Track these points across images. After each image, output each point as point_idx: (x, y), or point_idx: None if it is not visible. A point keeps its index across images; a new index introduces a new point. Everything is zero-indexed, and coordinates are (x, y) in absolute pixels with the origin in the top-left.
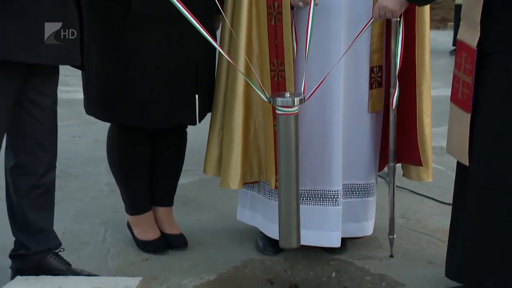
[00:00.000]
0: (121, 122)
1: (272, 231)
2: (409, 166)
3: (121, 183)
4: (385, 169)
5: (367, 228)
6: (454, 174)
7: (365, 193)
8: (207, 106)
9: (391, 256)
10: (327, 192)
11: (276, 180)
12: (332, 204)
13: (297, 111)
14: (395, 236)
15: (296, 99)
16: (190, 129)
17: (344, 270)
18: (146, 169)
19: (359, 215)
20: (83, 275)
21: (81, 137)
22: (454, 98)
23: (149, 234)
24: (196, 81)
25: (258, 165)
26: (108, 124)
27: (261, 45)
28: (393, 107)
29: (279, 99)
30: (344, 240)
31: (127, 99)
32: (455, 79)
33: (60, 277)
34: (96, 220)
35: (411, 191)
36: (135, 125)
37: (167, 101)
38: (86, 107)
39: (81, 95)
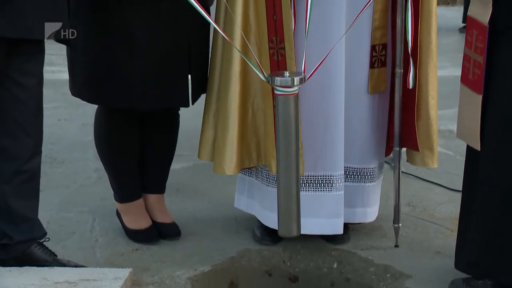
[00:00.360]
0: (109, 105)
1: (269, 219)
2: (413, 151)
3: (110, 169)
4: (391, 154)
5: (363, 215)
6: (463, 159)
7: (361, 178)
8: (201, 87)
9: (396, 246)
10: (328, 177)
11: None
12: (333, 189)
13: (297, 91)
14: (400, 225)
15: (296, 79)
16: (183, 111)
17: (347, 260)
18: (136, 154)
19: (353, 200)
20: (69, 266)
21: (67, 120)
22: (464, 79)
23: (140, 223)
24: (189, 59)
25: (256, 149)
26: (95, 107)
27: (259, 21)
28: (410, 87)
29: (277, 79)
30: (346, 229)
31: (116, 79)
32: (466, 58)
33: (45, 268)
34: (83, 208)
35: (417, 177)
36: (124, 107)
37: (158, 82)
38: (72, 88)
39: (66, 76)
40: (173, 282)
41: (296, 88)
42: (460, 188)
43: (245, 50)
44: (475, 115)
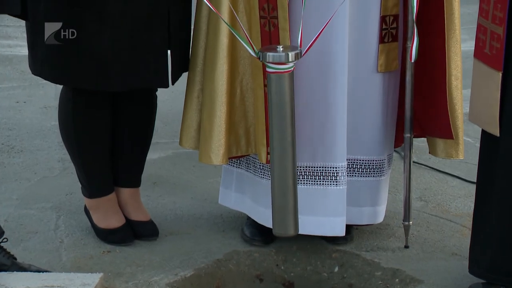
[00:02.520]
0: (75, 85)
1: (264, 217)
2: (434, 140)
3: (77, 159)
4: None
5: (372, 215)
6: None
7: (369, 171)
8: (183, 64)
9: (406, 246)
10: (329, 169)
11: (268, 153)
12: (334, 183)
13: (292, 68)
14: (411, 222)
15: (291, 54)
16: (161, 92)
17: (349, 264)
18: (107, 142)
19: (362, 198)
20: (30, 270)
21: (26, 103)
22: (479, 54)
23: (112, 221)
24: (168, 32)
25: (245, 135)
26: (59, 87)
27: None
28: (412, 60)
29: (269, 54)
30: (349, 228)
31: (83, 55)
32: (480, 29)
33: (3, 273)
34: (46, 205)
35: (431, 167)
36: (93, 88)
37: (132, 58)
38: (32, 66)
39: (25, 51)
40: None
41: (291, 64)
42: None
43: (232, 20)
44: (494, 95)
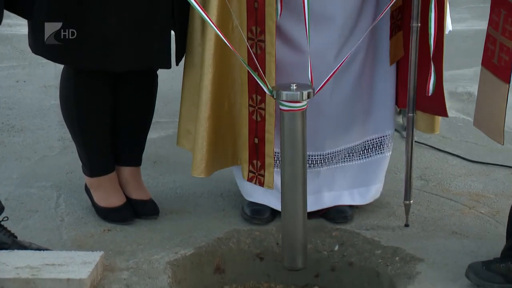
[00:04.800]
0: (77, 65)
1: (265, 196)
2: (421, 116)
3: (78, 138)
4: (401, 121)
5: (378, 191)
6: None
7: (379, 148)
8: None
9: (407, 225)
10: (315, 156)
11: (249, 171)
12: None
13: (305, 106)
14: (411, 201)
15: (305, 93)
16: (161, 72)
17: (350, 242)
18: (109, 121)
19: (370, 177)
20: (31, 249)
21: (26, 82)
22: (487, 63)
23: (112, 200)
24: (172, 13)
25: (232, 147)
26: (60, 66)
27: (240, 5)
28: (429, 94)
29: (284, 93)
30: (349, 207)
31: (85, 35)
32: (489, 39)
33: (4, 251)
34: (46, 183)
35: (431, 147)
36: (95, 68)
37: (135, 39)
38: (32, 45)
39: (25, 30)
40: (151, 267)
41: (304, 103)
42: (480, 159)
43: (225, 34)
44: (500, 105)
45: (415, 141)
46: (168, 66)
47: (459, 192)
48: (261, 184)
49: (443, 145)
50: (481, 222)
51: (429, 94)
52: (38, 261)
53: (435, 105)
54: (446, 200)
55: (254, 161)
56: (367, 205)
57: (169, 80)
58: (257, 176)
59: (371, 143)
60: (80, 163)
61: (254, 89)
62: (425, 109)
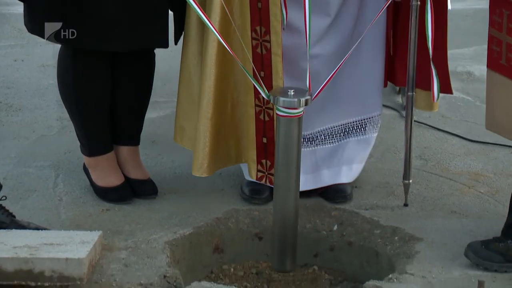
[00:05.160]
0: (75, 44)
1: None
2: (420, 94)
3: (76, 118)
4: (400, 100)
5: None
6: (483, 105)
7: (368, 129)
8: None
9: (406, 205)
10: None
11: (258, 170)
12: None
13: (302, 112)
14: (411, 181)
15: (302, 100)
16: (160, 52)
17: (349, 222)
18: (107, 100)
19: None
20: (30, 228)
21: (24, 61)
22: (494, 65)
23: (111, 179)
24: None
25: (236, 146)
26: (58, 45)
27: (243, 7)
28: (435, 101)
29: (281, 99)
30: (348, 187)
31: (84, 14)
32: (493, 41)
33: (2, 231)
34: (44, 163)
35: (431, 126)
36: (92, 48)
37: (133, 19)
38: (28, 24)
39: (22, 9)
40: (149, 246)
41: (301, 109)
42: (479, 138)
43: (226, 34)
44: None
45: (415, 121)
46: (165, 46)
47: (458, 171)
48: (272, 183)
49: (443, 125)
50: (481, 201)
51: (435, 101)
52: (36, 240)
53: (440, 82)
54: (445, 180)
55: (263, 161)
56: (366, 184)
57: (168, 59)
58: (267, 176)
59: (360, 123)
60: (78, 143)
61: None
62: (428, 87)
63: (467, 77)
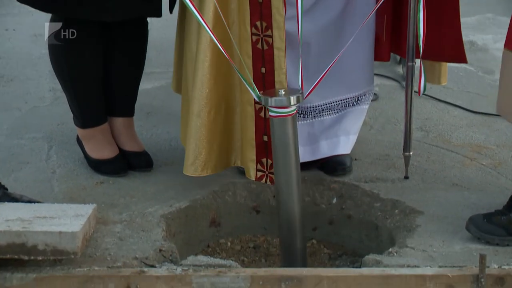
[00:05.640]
0: (66, 14)
1: None
2: (427, 66)
3: (69, 89)
4: (401, 71)
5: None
6: (485, 76)
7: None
8: None
9: (406, 177)
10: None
11: (258, 170)
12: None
13: (295, 111)
14: (411, 153)
15: (293, 98)
16: (155, 21)
17: (348, 195)
18: (100, 71)
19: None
20: (22, 201)
21: (16, 30)
22: None
23: (105, 151)
24: None
25: (231, 148)
26: (49, 14)
27: (240, 1)
28: (420, 94)
29: (272, 99)
30: (348, 159)
31: None
32: None
33: None
34: (37, 135)
35: (432, 97)
36: (84, 17)
37: None
38: None
39: None
40: (145, 220)
41: (293, 108)
42: (482, 110)
43: (219, 33)
44: None
45: (415, 91)
46: (158, 14)
47: (460, 143)
48: (273, 182)
49: (444, 95)
50: (483, 174)
51: (420, 95)
52: (29, 213)
53: (453, 52)
54: (446, 152)
55: (263, 160)
56: (366, 157)
57: (162, 28)
58: (268, 175)
59: (356, 97)
60: (72, 114)
61: (261, 86)
62: (441, 57)
63: (470, 47)
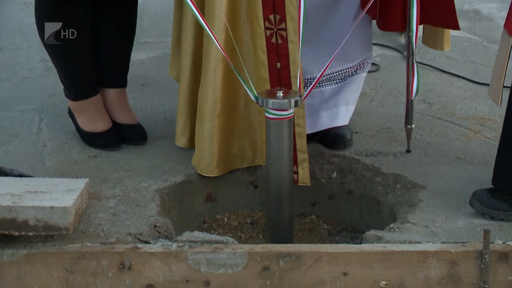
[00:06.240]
0: None
1: None
2: (430, 31)
3: (58, 61)
4: (402, 40)
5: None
6: (491, 46)
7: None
8: None
9: (408, 151)
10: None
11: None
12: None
13: (292, 114)
14: (413, 126)
15: (292, 101)
16: None
17: (348, 169)
18: (90, 41)
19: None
20: (13, 175)
21: None
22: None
23: (98, 124)
24: None
25: (251, 145)
26: None
27: None
28: (412, 98)
29: (270, 101)
30: (349, 132)
31: None
32: None
33: None
34: (27, 107)
35: (435, 68)
36: None
37: None
38: None
39: None
40: (139, 195)
41: (291, 111)
42: (487, 81)
43: (231, 25)
44: (502, 61)
45: (418, 62)
46: None
47: (464, 115)
48: (295, 182)
49: (448, 66)
50: (487, 147)
51: (412, 98)
52: (20, 188)
53: (445, 16)
54: (450, 124)
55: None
56: (367, 130)
57: None
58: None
59: (356, 67)
60: (63, 86)
61: (277, 82)
62: (435, 22)
63: (474, 16)
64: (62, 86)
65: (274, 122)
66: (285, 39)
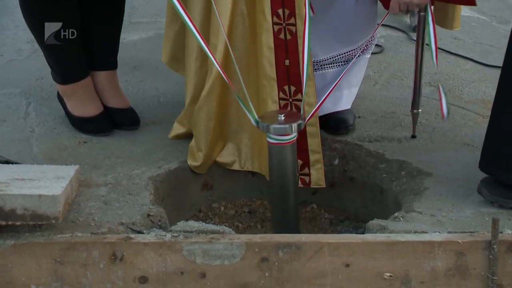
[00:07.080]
0: None
1: None
2: (439, 8)
3: (44, 43)
4: (408, 21)
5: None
6: (500, 26)
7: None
8: None
9: (414, 136)
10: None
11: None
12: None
13: (295, 138)
14: (420, 110)
15: (294, 125)
16: None
17: (351, 155)
18: (77, 24)
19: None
20: None
21: None
22: None
23: (88, 108)
24: None
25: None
26: None
27: None
28: (444, 118)
29: (272, 127)
30: (351, 116)
31: None
32: None
33: None
34: (14, 90)
35: (442, 49)
36: None
37: None
38: None
39: None
40: (131, 182)
41: (294, 135)
42: (496, 63)
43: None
44: None
45: (426, 44)
46: None
47: (471, 99)
48: (307, 184)
49: (455, 48)
50: None
51: (444, 118)
52: (6, 175)
53: None
54: (457, 109)
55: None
56: (370, 114)
57: None
58: (298, 177)
59: (359, 48)
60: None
61: (286, 81)
62: None
63: None
64: (50, 69)
65: (276, 147)
66: (294, 35)
